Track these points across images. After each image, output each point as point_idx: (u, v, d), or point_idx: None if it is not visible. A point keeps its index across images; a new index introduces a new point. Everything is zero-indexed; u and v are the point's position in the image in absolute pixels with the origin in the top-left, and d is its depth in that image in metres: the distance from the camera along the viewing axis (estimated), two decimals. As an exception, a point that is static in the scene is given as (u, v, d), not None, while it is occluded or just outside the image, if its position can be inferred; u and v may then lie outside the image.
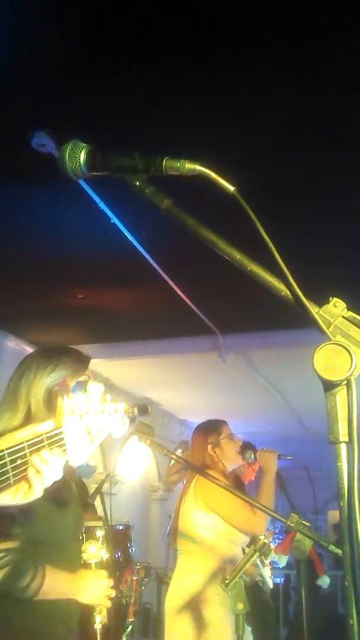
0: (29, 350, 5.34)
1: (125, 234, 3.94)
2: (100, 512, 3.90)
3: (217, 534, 2.89)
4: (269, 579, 3.37)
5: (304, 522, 2.08)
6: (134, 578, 2.76)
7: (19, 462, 1.20)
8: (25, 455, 1.21)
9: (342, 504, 0.85)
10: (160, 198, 1.04)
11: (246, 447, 3.16)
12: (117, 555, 2.61)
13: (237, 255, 0.99)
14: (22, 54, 2.51)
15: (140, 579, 3.41)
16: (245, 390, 7.61)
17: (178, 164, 1.03)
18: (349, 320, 0.92)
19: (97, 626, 1.87)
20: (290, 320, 2.59)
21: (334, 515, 10.34)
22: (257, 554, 2.16)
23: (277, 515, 2.31)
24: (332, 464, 0.87)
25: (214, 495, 2.83)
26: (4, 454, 1.18)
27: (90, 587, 1.84)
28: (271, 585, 3.61)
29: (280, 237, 0.99)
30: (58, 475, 1.27)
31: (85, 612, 1.86)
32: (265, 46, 2.43)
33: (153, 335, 5.95)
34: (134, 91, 2.67)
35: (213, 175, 1.00)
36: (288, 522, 2.08)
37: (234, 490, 2.54)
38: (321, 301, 0.95)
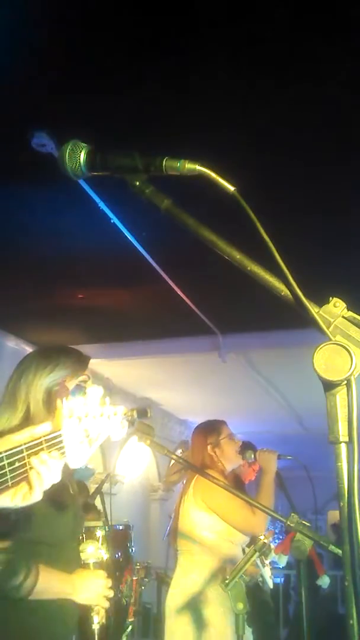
0: (29, 350, 5.34)
1: (125, 234, 3.94)
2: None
3: (217, 534, 2.88)
4: (269, 579, 3.37)
5: (303, 522, 2.08)
6: (134, 578, 2.76)
7: (17, 464, 1.20)
8: (23, 458, 1.21)
9: (342, 504, 0.85)
10: (160, 198, 1.05)
11: (246, 447, 3.16)
12: (117, 555, 2.61)
13: (237, 255, 0.99)
14: (22, 54, 2.51)
15: (140, 579, 3.42)
16: (245, 390, 7.60)
17: (178, 164, 1.03)
18: (349, 320, 0.92)
19: (95, 626, 1.85)
20: (290, 320, 2.59)
21: (333, 515, 10.33)
22: (257, 554, 2.16)
23: (277, 515, 2.30)
24: (332, 464, 0.87)
25: (214, 495, 2.83)
26: (2, 457, 1.18)
27: (86, 587, 1.82)
28: (271, 585, 3.60)
29: (280, 237, 0.99)
30: (57, 478, 1.27)
31: (83, 612, 1.85)
32: (265, 46, 2.43)
33: (153, 335, 5.95)
34: (134, 91, 2.67)
35: (213, 175, 1.00)
36: (288, 522, 2.08)
37: (233, 490, 2.54)
38: (321, 301, 0.95)
